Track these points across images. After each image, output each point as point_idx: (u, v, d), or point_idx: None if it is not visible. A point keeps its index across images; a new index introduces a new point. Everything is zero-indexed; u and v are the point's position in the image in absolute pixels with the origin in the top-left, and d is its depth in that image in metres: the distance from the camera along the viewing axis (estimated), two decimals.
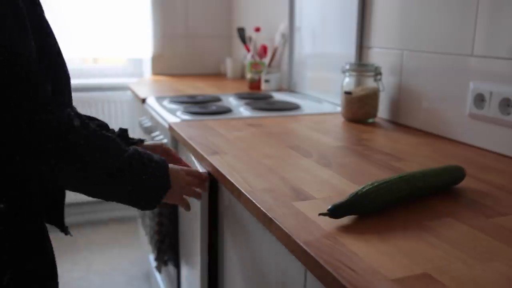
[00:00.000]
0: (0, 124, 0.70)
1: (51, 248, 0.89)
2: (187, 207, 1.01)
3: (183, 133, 1.23)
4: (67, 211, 0.97)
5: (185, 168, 0.98)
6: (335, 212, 0.68)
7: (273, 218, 0.71)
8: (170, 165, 0.92)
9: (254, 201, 0.78)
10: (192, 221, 1.23)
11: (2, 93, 0.69)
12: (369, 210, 0.71)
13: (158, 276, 1.82)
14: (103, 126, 1.04)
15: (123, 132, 1.05)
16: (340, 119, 1.44)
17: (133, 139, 1.07)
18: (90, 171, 0.78)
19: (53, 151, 0.73)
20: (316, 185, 0.85)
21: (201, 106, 1.59)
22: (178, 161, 1.07)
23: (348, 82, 1.42)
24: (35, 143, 0.72)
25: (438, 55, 1.23)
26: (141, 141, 1.07)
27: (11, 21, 0.71)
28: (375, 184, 0.72)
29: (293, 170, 0.94)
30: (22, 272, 0.82)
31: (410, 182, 0.76)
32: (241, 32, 2.30)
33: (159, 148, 1.07)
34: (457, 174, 0.84)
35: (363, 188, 0.71)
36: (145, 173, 0.85)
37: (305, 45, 1.93)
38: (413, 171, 0.80)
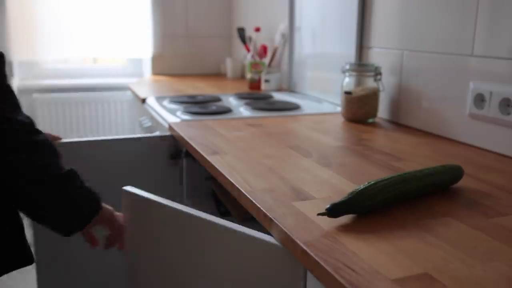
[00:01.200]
0: None
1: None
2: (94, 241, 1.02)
3: (183, 133, 1.23)
4: None
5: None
6: (333, 211, 0.68)
7: (273, 218, 0.71)
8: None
9: (254, 201, 0.78)
10: None
11: None
12: (367, 209, 0.71)
13: None
14: None
15: None
16: (340, 119, 1.44)
17: None
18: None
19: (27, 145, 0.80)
20: (316, 185, 0.85)
21: (201, 106, 1.59)
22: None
23: (348, 82, 1.42)
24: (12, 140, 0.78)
25: (438, 55, 1.23)
26: None
27: None
28: (372, 183, 0.72)
29: (293, 170, 0.94)
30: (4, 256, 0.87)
31: (408, 181, 0.76)
32: (241, 32, 2.30)
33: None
34: (455, 173, 0.84)
35: (360, 187, 0.71)
36: (83, 187, 0.90)
37: (305, 45, 1.93)
38: (411, 170, 0.80)
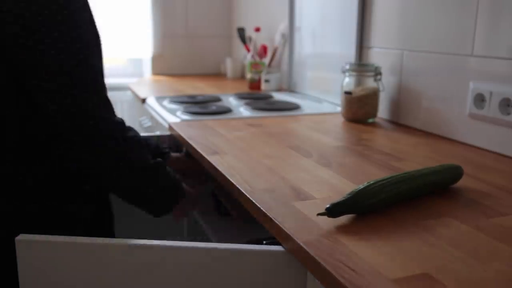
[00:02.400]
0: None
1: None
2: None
3: (183, 133, 1.23)
4: None
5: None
6: (332, 211, 0.68)
7: (273, 218, 0.71)
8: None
9: (254, 201, 0.78)
10: None
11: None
12: (367, 209, 0.71)
13: None
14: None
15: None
16: (340, 119, 1.44)
17: (163, 148, 1.26)
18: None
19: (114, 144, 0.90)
20: (316, 185, 0.85)
21: (201, 106, 1.59)
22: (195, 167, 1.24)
23: (348, 82, 1.42)
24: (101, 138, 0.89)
25: (438, 55, 1.23)
26: (167, 152, 1.26)
27: (97, 41, 0.92)
28: (372, 183, 0.72)
29: (293, 170, 0.94)
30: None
31: (407, 181, 0.76)
32: (241, 32, 2.30)
33: (182, 157, 1.28)
34: (455, 172, 0.84)
35: (360, 187, 0.71)
36: (171, 178, 1.02)
37: (305, 45, 1.93)
38: (411, 170, 0.80)
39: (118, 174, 0.92)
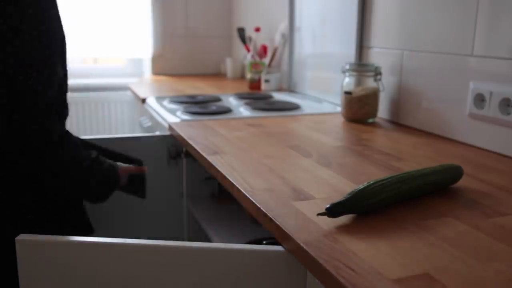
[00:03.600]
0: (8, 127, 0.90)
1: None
2: None
3: (183, 133, 1.23)
4: None
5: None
6: (332, 211, 0.68)
7: (273, 218, 0.71)
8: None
9: (254, 201, 0.78)
10: None
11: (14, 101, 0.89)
12: (367, 209, 0.71)
13: None
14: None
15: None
16: (340, 119, 1.44)
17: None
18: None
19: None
20: (316, 185, 0.85)
21: (201, 106, 1.59)
22: None
23: (348, 82, 1.42)
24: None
25: (438, 55, 1.23)
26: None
27: (38, 36, 0.96)
28: (372, 183, 0.72)
29: (293, 170, 0.94)
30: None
31: (407, 181, 0.76)
32: (241, 32, 2.30)
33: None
34: (455, 172, 0.84)
35: (360, 187, 0.71)
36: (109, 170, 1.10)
37: (305, 45, 1.93)
38: (410, 170, 0.80)
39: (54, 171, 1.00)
